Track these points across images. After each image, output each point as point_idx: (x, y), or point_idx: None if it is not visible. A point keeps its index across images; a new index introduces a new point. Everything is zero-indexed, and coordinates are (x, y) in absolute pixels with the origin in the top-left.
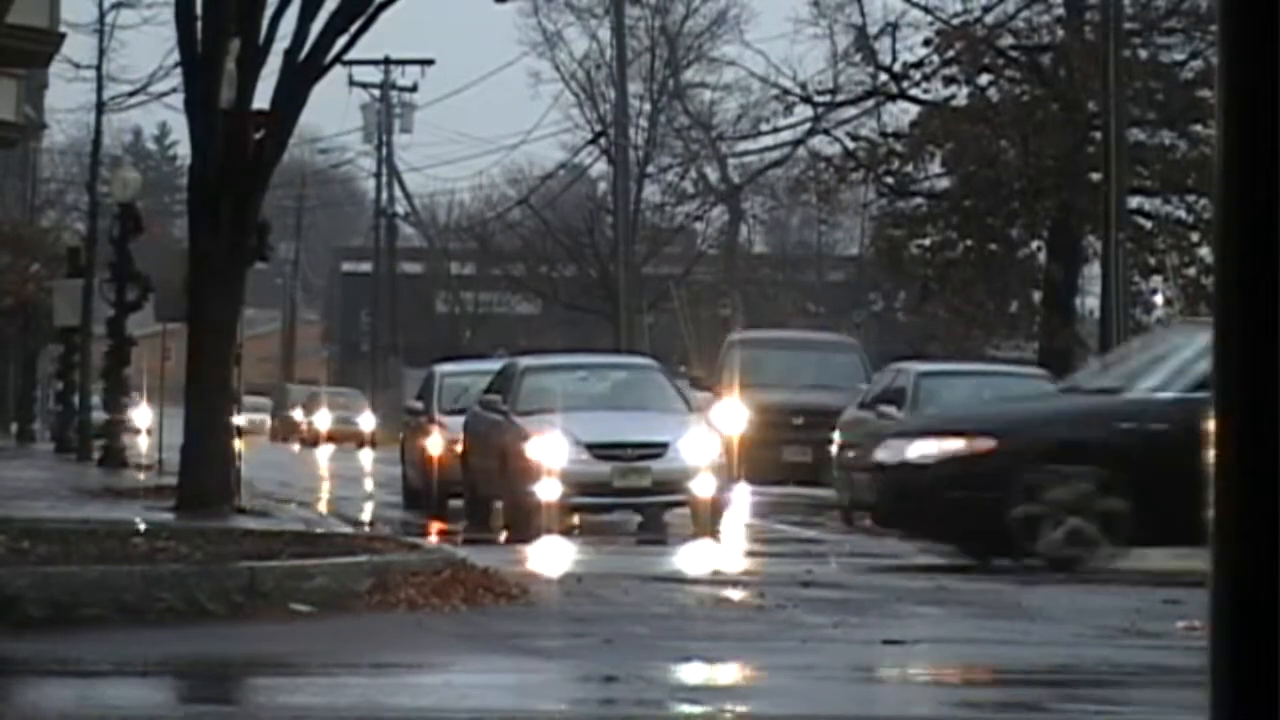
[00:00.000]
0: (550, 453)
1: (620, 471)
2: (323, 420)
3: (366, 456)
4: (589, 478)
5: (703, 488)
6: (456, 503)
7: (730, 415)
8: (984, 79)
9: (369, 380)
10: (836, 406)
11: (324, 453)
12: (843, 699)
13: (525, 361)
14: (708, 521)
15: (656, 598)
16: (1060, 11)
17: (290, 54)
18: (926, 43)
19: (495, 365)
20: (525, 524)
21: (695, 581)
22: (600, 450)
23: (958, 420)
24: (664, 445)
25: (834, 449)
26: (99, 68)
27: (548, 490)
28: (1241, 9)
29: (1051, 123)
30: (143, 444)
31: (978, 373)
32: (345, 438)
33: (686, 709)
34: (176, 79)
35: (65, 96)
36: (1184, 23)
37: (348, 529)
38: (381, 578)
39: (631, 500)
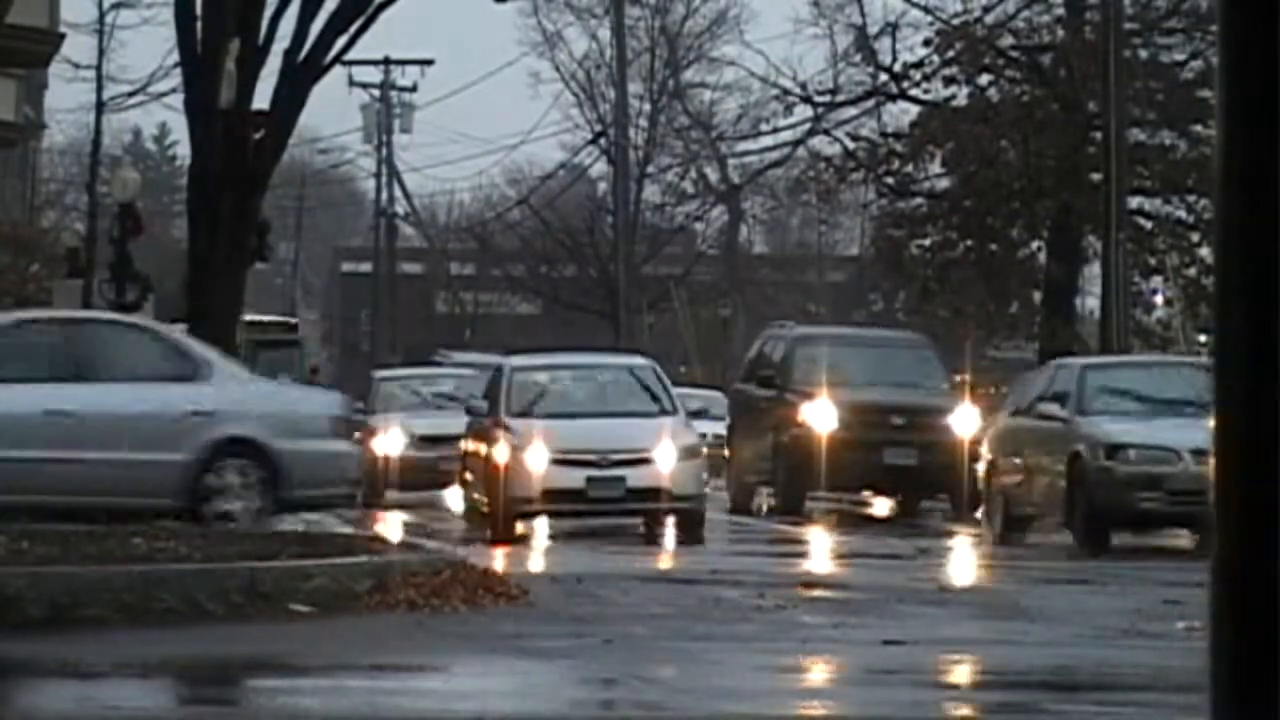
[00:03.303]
0: (529, 460)
1: (594, 480)
2: None
3: None
4: (563, 485)
5: (685, 495)
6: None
7: (823, 416)
8: (984, 79)
9: (369, 381)
10: (935, 406)
11: None
12: (843, 699)
13: (514, 361)
14: (691, 530)
15: (656, 598)
16: (1060, 11)
17: (290, 54)
18: (926, 43)
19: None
20: (505, 532)
21: (695, 582)
22: (574, 457)
23: None
24: (642, 451)
25: (981, 466)
26: (99, 68)
27: (524, 498)
28: (1241, 9)
29: (1051, 123)
30: None
31: (1140, 364)
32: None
33: (686, 709)
34: (176, 79)
35: (65, 96)
36: (1184, 23)
37: (347, 529)
38: (381, 578)
39: (606, 509)
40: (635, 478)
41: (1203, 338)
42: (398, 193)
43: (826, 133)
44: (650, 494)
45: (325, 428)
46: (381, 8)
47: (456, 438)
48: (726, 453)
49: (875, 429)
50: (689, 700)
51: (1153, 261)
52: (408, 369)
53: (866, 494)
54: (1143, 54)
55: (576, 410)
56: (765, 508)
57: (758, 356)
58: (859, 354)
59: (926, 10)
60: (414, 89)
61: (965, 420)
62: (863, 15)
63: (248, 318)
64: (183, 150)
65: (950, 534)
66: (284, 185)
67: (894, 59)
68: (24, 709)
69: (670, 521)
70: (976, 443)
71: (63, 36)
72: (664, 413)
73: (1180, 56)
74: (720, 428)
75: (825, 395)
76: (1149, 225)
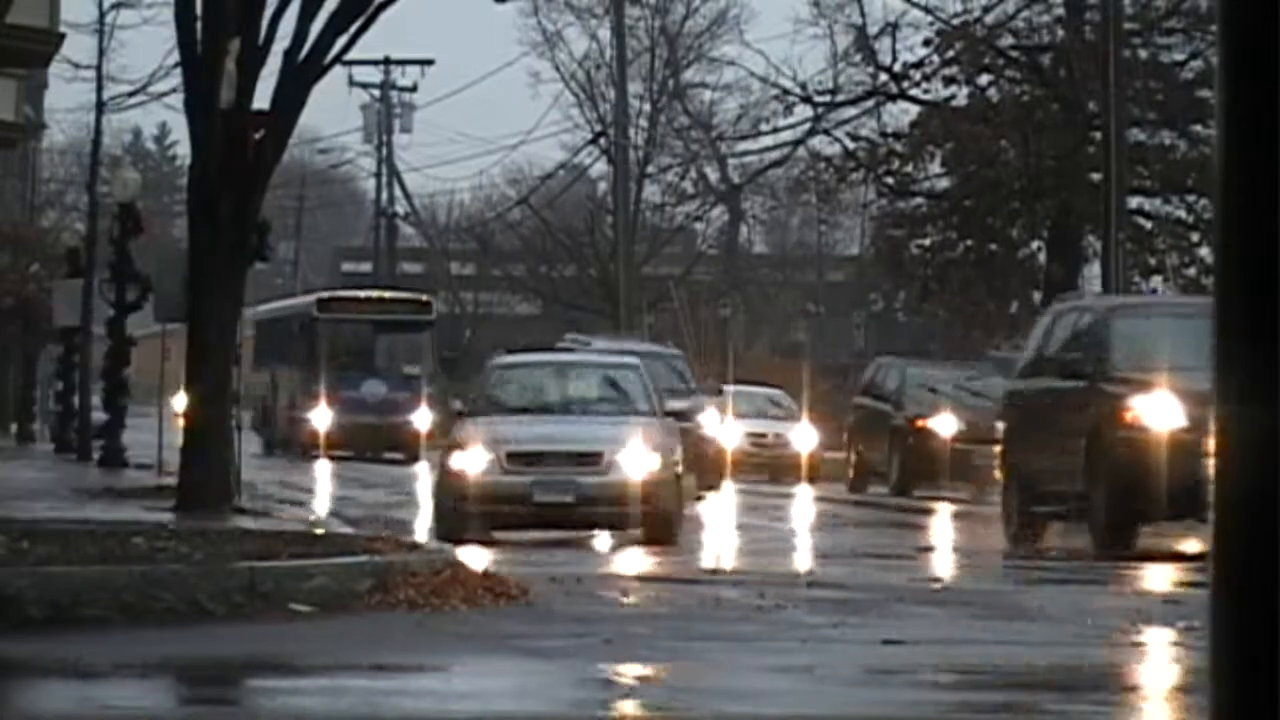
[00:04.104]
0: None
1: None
2: (730, 434)
3: (804, 503)
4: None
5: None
6: None
7: (1163, 414)
8: (984, 79)
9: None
10: None
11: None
12: (843, 700)
13: (502, 359)
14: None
15: (656, 598)
16: (1060, 11)
17: (290, 54)
18: (926, 43)
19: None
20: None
21: (695, 581)
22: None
23: None
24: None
25: None
26: (99, 68)
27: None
28: (1241, 9)
29: (1051, 123)
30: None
31: None
32: (762, 465)
33: (686, 709)
34: (176, 79)
35: (65, 96)
36: (1184, 23)
37: (347, 529)
38: (381, 578)
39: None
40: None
41: None
42: (398, 193)
43: (826, 133)
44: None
45: None
46: (381, 8)
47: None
48: (998, 474)
49: None
50: (689, 700)
51: (1153, 261)
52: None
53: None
54: (1143, 54)
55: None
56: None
57: (1045, 339)
58: (1199, 330)
59: (926, 10)
60: (414, 89)
61: None
62: (863, 15)
63: (364, 294)
64: (183, 150)
65: None
66: (284, 185)
67: (894, 59)
68: (24, 709)
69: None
70: None
71: (63, 36)
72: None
73: (1180, 56)
74: (780, 427)
75: (1163, 386)
76: (1149, 225)
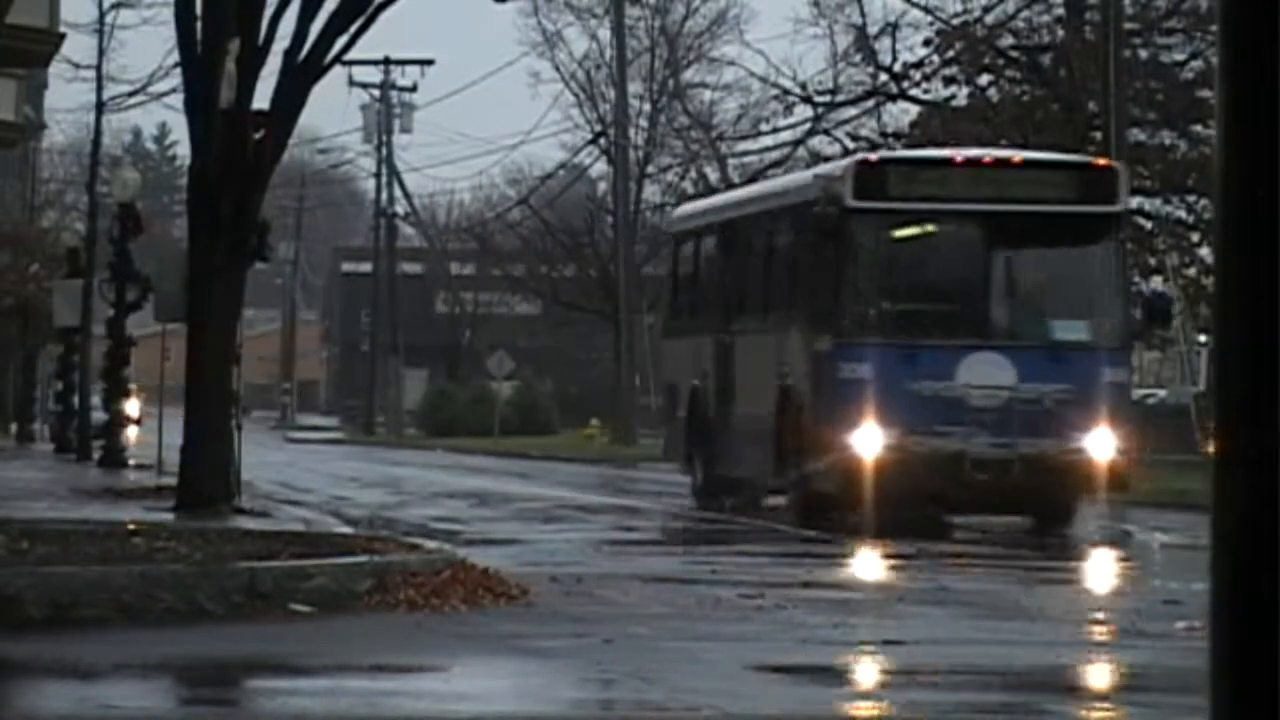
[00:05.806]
0: None
1: None
2: None
3: None
4: None
5: None
6: None
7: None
8: (984, 79)
9: (368, 380)
10: None
11: None
12: (843, 700)
13: None
14: None
15: (656, 598)
16: (1060, 11)
17: (290, 54)
18: (926, 43)
19: None
20: None
21: (695, 581)
22: None
23: None
24: None
25: None
26: (99, 68)
27: None
28: (1241, 9)
29: (1051, 123)
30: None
31: None
32: None
33: (686, 709)
34: (176, 79)
35: (65, 96)
36: (1184, 23)
37: (347, 529)
38: (381, 578)
39: None
40: None
41: (1203, 338)
42: (398, 193)
43: (826, 133)
44: None
45: None
46: (381, 8)
47: None
48: None
49: None
50: (689, 700)
51: (1153, 261)
52: None
53: None
54: (1143, 54)
55: None
56: None
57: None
58: None
59: (926, 10)
60: (414, 89)
61: None
62: (863, 15)
63: (961, 154)
64: (183, 150)
65: None
66: (284, 185)
67: (894, 59)
68: (24, 709)
69: None
70: None
71: (63, 36)
72: None
73: (1180, 56)
74: None
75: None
76: (1149, 225)
